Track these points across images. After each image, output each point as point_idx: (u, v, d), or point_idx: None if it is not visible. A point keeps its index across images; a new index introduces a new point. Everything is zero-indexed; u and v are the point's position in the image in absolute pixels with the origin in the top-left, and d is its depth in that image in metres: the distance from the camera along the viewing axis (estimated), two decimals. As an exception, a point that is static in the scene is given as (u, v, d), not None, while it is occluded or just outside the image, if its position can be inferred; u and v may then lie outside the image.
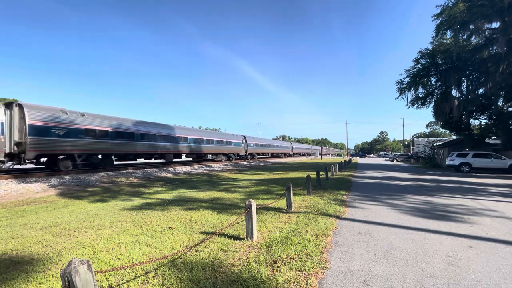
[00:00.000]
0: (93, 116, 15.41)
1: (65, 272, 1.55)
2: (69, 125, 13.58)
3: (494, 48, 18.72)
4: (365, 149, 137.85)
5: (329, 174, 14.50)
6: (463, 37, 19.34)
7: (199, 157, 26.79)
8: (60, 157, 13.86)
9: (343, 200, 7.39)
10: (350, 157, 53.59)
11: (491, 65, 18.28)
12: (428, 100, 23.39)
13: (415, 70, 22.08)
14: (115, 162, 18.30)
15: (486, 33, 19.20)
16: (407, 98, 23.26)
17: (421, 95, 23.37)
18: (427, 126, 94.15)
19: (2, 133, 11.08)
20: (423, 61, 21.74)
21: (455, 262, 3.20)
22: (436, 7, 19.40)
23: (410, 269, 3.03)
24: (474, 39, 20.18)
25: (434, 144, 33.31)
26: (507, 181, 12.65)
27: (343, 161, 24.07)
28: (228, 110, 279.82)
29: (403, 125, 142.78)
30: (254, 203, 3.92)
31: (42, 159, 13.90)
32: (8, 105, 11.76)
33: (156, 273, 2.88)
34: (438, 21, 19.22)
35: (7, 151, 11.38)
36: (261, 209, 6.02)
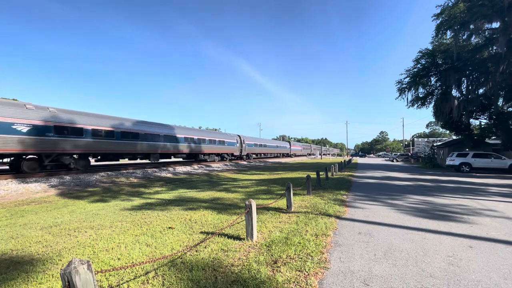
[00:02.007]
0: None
1: (65, 272, 1.55)
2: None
3: (494, 48, 18.71)
4: (365, 149, 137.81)
5: (329, 174, 14.50)
6: (463, 37, 19.32)
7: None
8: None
9: (343, 200, 7.39)
10: (350, 157, 53.58)
11: (491, 65, 18.28)
12: (428, 100, 23.40)
13: (415, 70, 22.09)
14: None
15: (486, 33, 19.19)
16: (407, 98, 23.29)
17: (421, 95, 23.39)
18: (427, 126, 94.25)
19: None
20: (423, 61, 21.75)
21: (455, 262, 3.20)
22: (436, 7, 19.42)
23: (410, 269, 3.03)
24: (474, 39, 20.16)
25: (434, 144, 33.31)
26: (507, 181, 12.65)
27: (343, 161, 24.07)
28: (227, 110, 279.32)
29: (403, 125, 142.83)
30: (254, 203, 3.92)
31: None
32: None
33: (156, 273, 2.88)
34: (438, 21, 19.21)
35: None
36: (261, 209, 6.02)
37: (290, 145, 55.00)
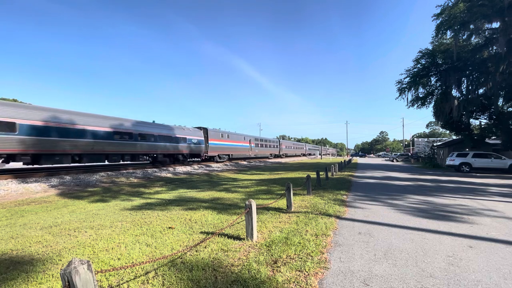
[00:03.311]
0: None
1: (65, 272, 1.55)
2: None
3: (494, 48, 18.71)
4: (365, 149, 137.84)
5: (329, 174, 14.50)
6: (463, 37, 19.35)
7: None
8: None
9: (343, 200, 7.39)
10: (350, 157, 53.60)
11: (491, 65, 18.27)
12: (428, 100, 23.40)
13: (415, 70, 22.09)
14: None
15: (486, 33, 19.19)
16: (407, 98, 23.30)
17: (421, 95, 23.40)
18: (427, 126, 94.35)
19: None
20: (423, 61, 21.75)
21: (455, 262, 3.20)
22: (436, 7, 19.43)
23: (410, 269, 3.03)
24: (474, 39, 20.17)
25: (434, 144, 33.34)
26: (507, 181, 12.65)
27: (343, 161, 24.07)
28: (227, 110, 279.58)
29: (403, 125, 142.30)
30: (254, 203, 3.92)
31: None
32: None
33: (156, 273, 2.88)
34: (438, 21, 19.22)
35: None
36: (261, 209, 6.02)
37: (187, 134, 22.61)
